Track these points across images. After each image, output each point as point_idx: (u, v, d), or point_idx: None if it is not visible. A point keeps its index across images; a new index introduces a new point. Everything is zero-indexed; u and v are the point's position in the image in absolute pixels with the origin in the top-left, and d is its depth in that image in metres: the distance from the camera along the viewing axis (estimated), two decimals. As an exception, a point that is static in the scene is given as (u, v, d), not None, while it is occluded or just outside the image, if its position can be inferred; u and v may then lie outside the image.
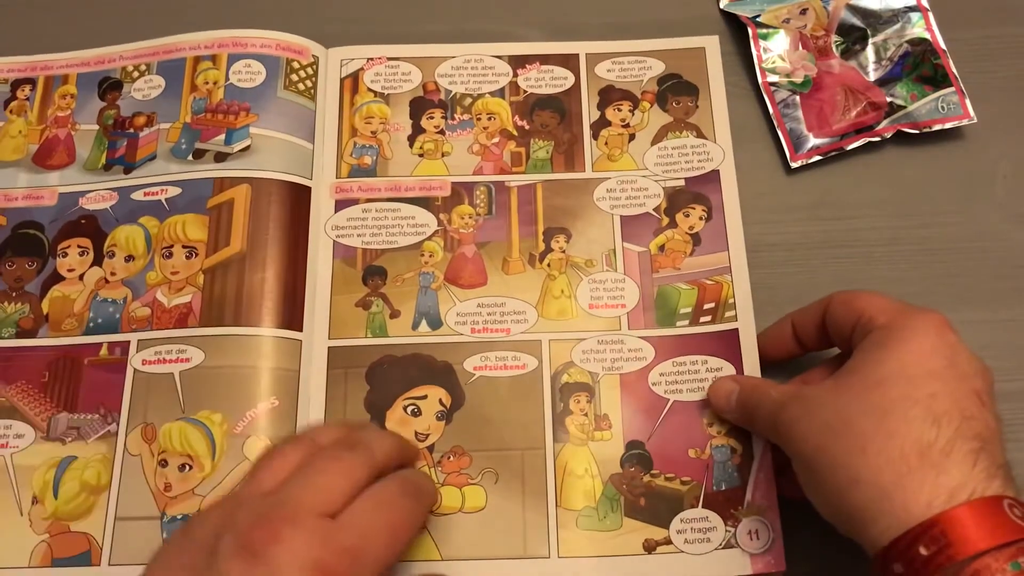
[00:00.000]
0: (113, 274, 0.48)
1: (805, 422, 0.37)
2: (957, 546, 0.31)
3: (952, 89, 0.52)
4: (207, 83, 0.52)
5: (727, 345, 0.46)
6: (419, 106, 0.53)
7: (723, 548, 0.42)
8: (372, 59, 0.54)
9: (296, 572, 0.31)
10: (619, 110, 0.53)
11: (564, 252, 0.49)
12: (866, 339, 0.38)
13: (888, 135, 0.52)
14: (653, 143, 0.51)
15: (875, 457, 0.34)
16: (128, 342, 0.46)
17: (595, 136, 0.52)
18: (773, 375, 0.45)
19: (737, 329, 0.46)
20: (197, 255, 0.48)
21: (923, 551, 0.32)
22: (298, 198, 0.49)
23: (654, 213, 0.50)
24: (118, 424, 0.44)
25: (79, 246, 0.49)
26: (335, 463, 0.35)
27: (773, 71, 0.54)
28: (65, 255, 0.49)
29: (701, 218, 0.49)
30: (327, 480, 0.34)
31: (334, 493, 0.33)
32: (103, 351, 0.46)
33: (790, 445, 0.38)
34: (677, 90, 0.53)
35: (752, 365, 0.46)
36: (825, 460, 0.35)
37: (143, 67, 0.53)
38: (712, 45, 0.54)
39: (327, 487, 0.34)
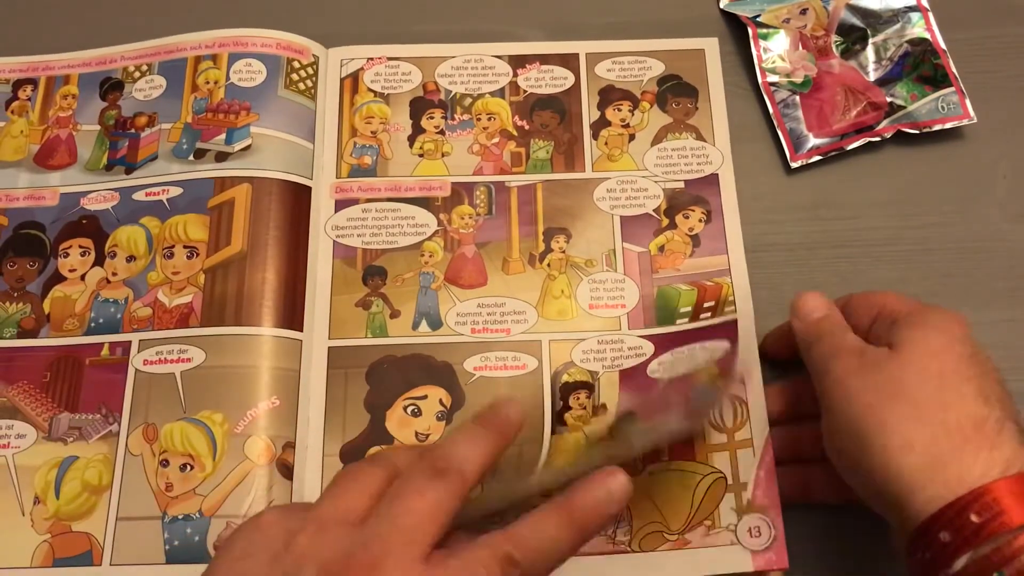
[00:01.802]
0: (114, 274, 0.48)
1: (856, 379, 0.37)
2: (1010, 513, 0.32)
3: (952, 89, 0.52)
4: (208, 83, 0.52)
5: (726, 336, 0.46)
6: (419, 106, 0.53)
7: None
8: (372, 59, 0.54)
9: None
10: (619, 110, 0.53)
11: (564, 252, 0.49)
12: (901, 320, 0.38)
13: (888, 135, 0.52)
14: (653, 144, 0.52)
15: (931, 426, 0.34)
16: (129, 342, 0.46)
17: (595, 136, 0.52)
18: (773, 373, 0.46)
19: (736, 320, 0.46)
20: (198, 255, 0.48)
21: (974, 518, 0.32)
22: (298, 198, 0.50)
23: (654, 214, 0.50)
24: (119, 424, 0.45)
25: (80, 246, 0.49)
26: (419, 499, 0.32)
27: (773, 71, 0.54)
28: (66, 255, 0.49)
29: (701, 220, 0.49)
30: (413, 520, 0.31)
31: (421, 533, 0.31)
32: (104, 351, 0.46)
33: (833, 399, 0.37)
34: (677, 91, 0.53)
35: (751, 356, 0.46)
36: (874, 421, 0.35)
37: (144, 67, 0.53)
38: (712, 48, 0.54)
39: (413, 527, 0.31)
